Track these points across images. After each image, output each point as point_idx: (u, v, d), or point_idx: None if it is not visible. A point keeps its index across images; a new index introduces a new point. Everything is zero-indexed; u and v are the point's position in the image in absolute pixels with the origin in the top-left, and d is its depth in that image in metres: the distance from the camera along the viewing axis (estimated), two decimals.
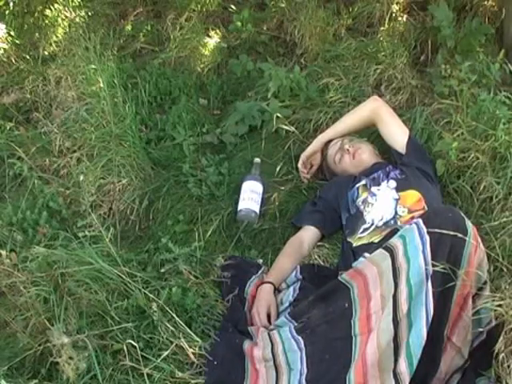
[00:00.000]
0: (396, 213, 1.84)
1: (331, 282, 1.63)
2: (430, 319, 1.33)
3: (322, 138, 2.25)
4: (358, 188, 2.02)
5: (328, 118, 2.42)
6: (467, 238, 1.39)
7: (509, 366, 1.39)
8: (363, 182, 2.02)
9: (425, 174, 2.00)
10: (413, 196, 1.87)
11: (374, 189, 1.96)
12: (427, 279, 1.35)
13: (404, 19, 2.92)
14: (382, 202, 1.89)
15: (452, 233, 1.38)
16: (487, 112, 2.05)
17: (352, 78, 2.59)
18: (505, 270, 1.63)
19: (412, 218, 1.76)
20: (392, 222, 1.82)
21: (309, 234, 2.02)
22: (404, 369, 1.32)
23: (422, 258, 1.37)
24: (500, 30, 2.81)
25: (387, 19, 2.90)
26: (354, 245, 1.84)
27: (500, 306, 1.43)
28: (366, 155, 2.14)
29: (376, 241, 1.77)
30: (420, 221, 1.45)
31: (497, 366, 1.43)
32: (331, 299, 1.56)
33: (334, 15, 2.97)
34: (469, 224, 1.43)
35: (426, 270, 1.36)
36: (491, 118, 2.04)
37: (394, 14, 2.95)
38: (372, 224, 1.85)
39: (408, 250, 1.42)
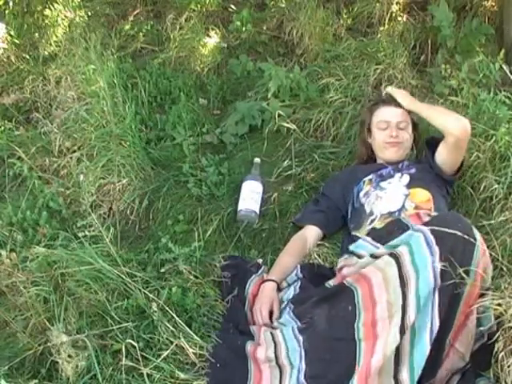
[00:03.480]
0: (403, 206, 1.83)
1: (336, 285, 1.63)
2: (434, 331, 1.33)
3: (410, 103, 2.09)
4: (363, 182, 2.01)
5: (328, 118, 2.42)
6: (476, 247, 1.39)
7: (509, 366, 1.39)
8: (370, 176, 2.02)
9: (444, 184, 1.98)
10: (423, 195, 1.86)
11: (383, 183, 1.95)
12: (434, 292, 1.35)
13: (404, 19, 2.93)
14: (391, 197, 1.89)
15: (460, 233, 1.37)
16: (487, 112, 2.06)
17: (352, 78, 2.59)
18: (505, 269, 1.63)
19: (417, 214, 1.76)
20: (396, 213, 1.81)
21: (311, 233, 2.01)
22: (406, 378, 1.33)
23: (431, 270, 1.37)
24: (500, 30, 2.81)
25: (387, 19, 2.90)
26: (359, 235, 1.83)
27: (499, 304, 1.42)
28: (398, 153, 2.05)
29: (378, 227, 1.78)
30: (427, 231, 1.43)
31: (496, 365, 1.43)
32: (335, 301, 1.55)
33: (334, 15, 2.98)
34: (476, 233, 1.43)
35: (435, 283, 1.35)
36: (491, 118, 2.04)
37: (393, 14, 2.95)
38: (379, 216, 1.85)
39: (415, 259, 1.41)
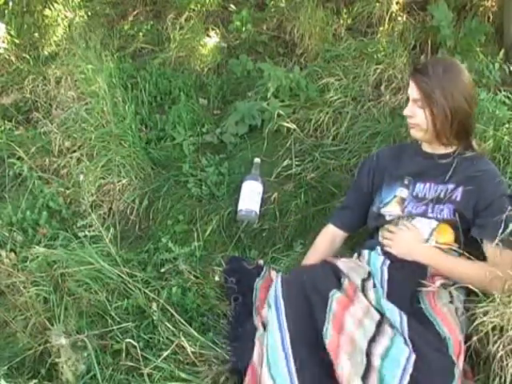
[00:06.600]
0: (428, 240, 1.67)
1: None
2: None
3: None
4: (395, 196, 1.77)
5: (328, 118, 2.42)
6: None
7: (507, 366, 1.39)
8: (404, 192, 1.75)
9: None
10: (449, 236, 1.66)
11: (416, 220, 1.71)
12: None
13: (404, 19, 2.93)
14: (419, 227, 1.70)
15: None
16: (487, 112, 2.06)
17: (352, 78, 2.59)
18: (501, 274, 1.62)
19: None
20: None
21: (339, 232, 1.91)
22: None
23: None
24: (500, 30, 2.81)
25: (387, 19, 2.90)
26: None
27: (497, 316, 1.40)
28: (418, 135, 1.77)
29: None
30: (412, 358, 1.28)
31: (493, 364, 1.43)
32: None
33: (334, 15, 2.98)
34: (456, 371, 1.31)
35: None
36: (491, 118, 2.04)
37: (393, 14, 2.95)
38: None
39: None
